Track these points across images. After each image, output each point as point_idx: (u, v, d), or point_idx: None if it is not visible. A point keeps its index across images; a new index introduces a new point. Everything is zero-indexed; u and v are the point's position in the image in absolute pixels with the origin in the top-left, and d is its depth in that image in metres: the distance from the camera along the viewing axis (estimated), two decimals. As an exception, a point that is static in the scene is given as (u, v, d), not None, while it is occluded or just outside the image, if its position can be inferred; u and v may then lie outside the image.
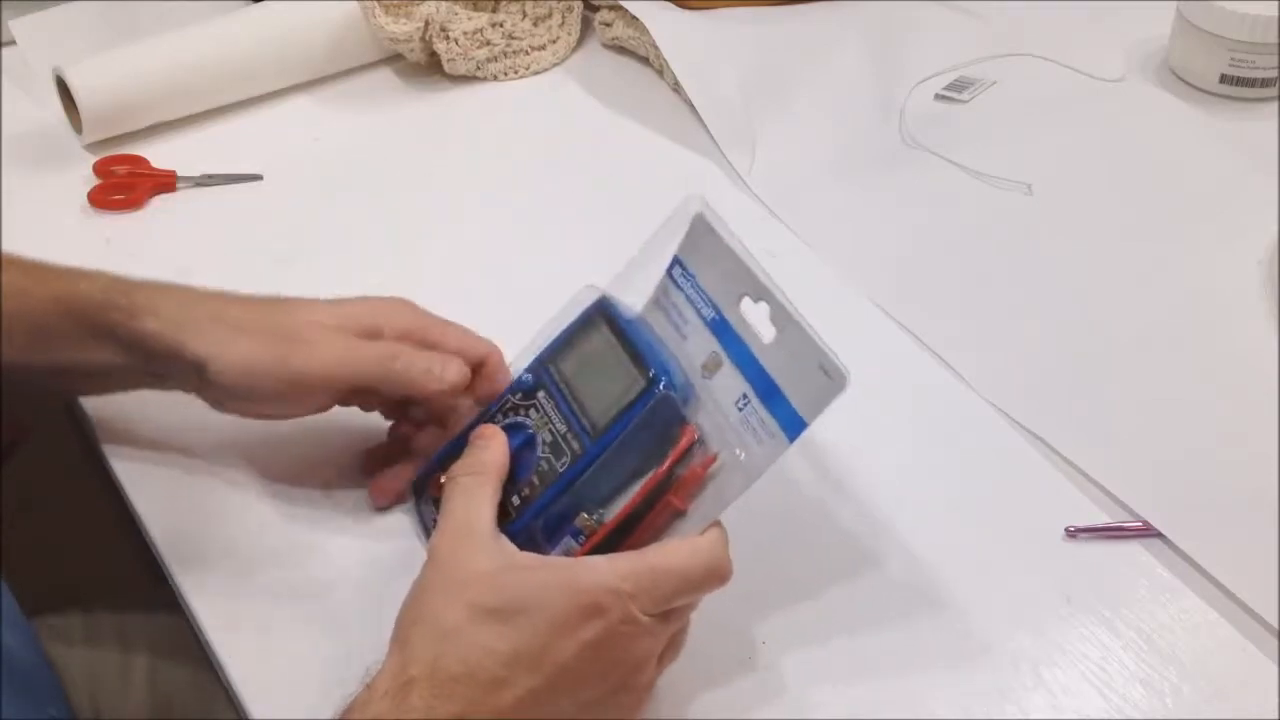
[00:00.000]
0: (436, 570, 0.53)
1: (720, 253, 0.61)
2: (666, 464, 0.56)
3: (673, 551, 0.53)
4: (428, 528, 0.60)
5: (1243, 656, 0.60)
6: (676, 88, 0.93)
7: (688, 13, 0.98)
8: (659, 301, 0.63)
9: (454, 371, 0.62)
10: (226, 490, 0.67)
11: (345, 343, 0.62)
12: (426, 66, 0.96)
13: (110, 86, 0.88)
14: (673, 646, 0.56)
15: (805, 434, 0.55)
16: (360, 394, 0.65)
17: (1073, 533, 0.64)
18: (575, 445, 0.57)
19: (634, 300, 0.63)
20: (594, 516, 0.56)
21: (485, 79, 0.97)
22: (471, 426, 0.61)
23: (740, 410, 0.58)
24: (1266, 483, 0.66)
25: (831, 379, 0.56)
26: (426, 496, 0.61)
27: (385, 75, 0.97)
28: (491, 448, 0.57)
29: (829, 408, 0.55)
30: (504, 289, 0.79)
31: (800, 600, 0.62)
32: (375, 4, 0.93)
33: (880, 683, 0.59)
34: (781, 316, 0.58)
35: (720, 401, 0.58)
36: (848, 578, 0.63)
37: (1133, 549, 0.64)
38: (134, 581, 0.75)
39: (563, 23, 0.99)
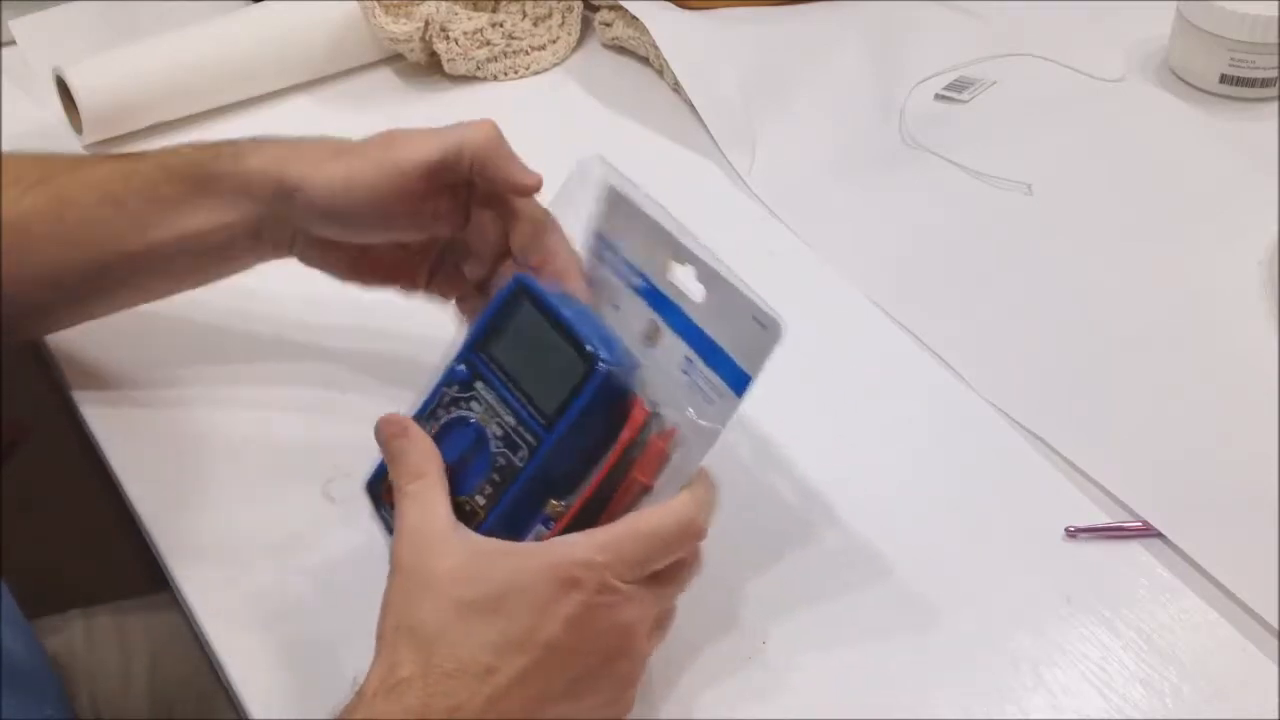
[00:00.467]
0: (406, 577, 0.53)
1: (638, 220, 0.61)
2: (619, 446, 0.56)
3: (644, 516, 0.54)
4: (390, 530, 0.59)
5: (1243, 656, 0.60)
6: (676, 88, 0.93)
7: (688, 13, 0.98)
8: (586, 278, 0.62)
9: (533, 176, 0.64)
10: (227, 490, 0.67)
11: (428, 131, 0.64)
12: (426, 66, 0.96)
13: (110, 86, 0.88)
14: (659, 626, 0.56)
15: (756, 390, 0.55)
16: (449, 199, 0.65)
17: (1073, 533, 0.64)
18: (529, 437, 0.55)
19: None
20: (563, 503, 0.55)
21: (485, 79, 0.97)
22: (419, 415, 0.59)
23: (686, 375, 0.57)
24: (1266, 483, 0.66)
25: (766, 329, 0.55)
26: (383, 503, 0.60)
27: (385, 75, 0.97)
28: (419, 446, 0.56)
29: (772, 359, 0.55)
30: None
31: (801, 600, 0.62)
32: (375, 4, 0.93)
33: (881, 683, 0.59)
34: (708, 275, 0.58)
35: (665, 368, 0.57)
36: (848, 578, 0.63)
37: (1133, 549, 0.64)
38: (134, 581, 0.75)
39: (563, 23, 0.99)
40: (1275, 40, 0.89)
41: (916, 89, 0.93)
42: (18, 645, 0.61)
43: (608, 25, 0.98)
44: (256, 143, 0.66)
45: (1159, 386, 0.72)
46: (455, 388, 0.58)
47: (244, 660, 0.60)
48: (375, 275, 0.68)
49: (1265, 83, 0.90)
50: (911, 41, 0.97)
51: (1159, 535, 0.64)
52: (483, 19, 0.95)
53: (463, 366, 0.58)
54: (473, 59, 0.95)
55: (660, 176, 0.87)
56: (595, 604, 0.52)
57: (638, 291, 0.59)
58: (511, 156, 0.65)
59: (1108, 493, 0.66)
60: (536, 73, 0.97)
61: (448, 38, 0.94)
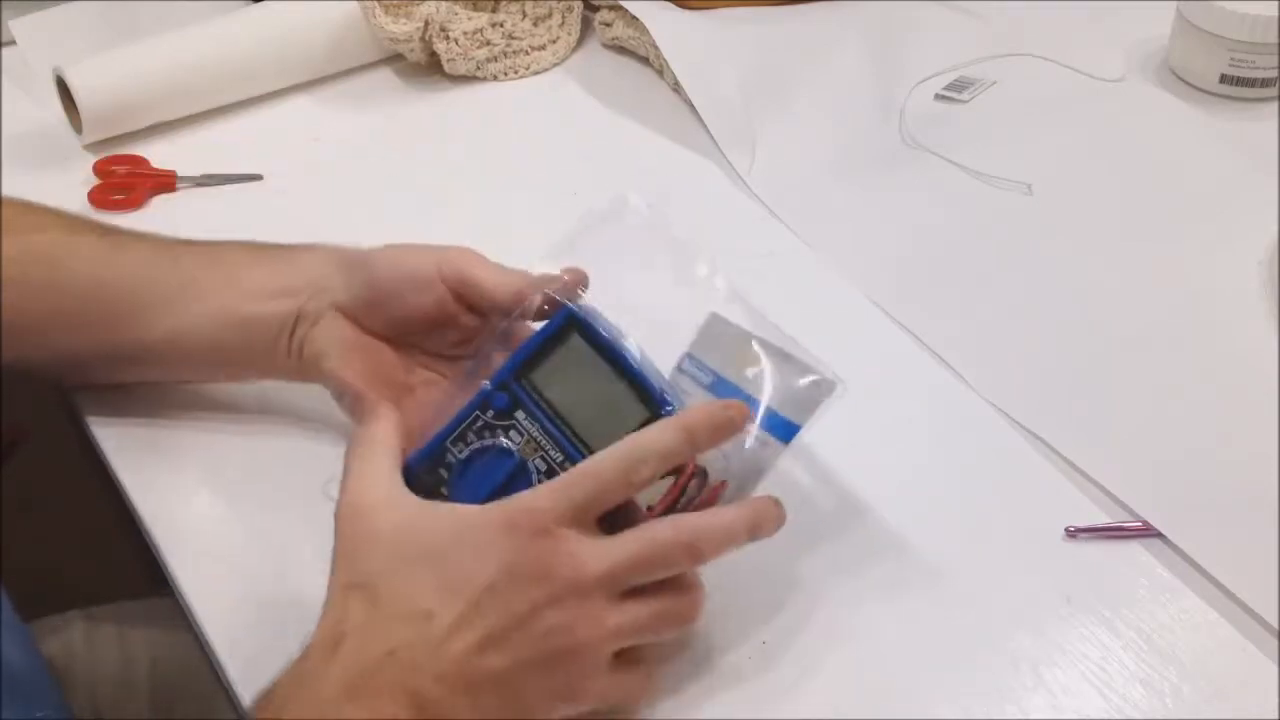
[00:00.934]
0: (353, 531, 0.53)
1: (732, 338, 0.61)
2: (669, 498, 0.55)
3: (593, 458, 0.54)
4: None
5: (1243, 656, 0.60)
6: (676, 88, 0.93)
7: (688, 13, 0.98)
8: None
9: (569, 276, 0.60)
10: (228, 490, 0.67)
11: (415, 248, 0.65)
12: (426, 66, 0.96)
13: (110, 86, 0.88)
14: (628, 662, 0.54)
15: (803, 439, 0.56)
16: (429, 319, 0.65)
17: (1073, 533, 0.64)
18: None
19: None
20: None
21: (485, 79, 0.97)
22: (438, 445, 0.58)
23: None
24: (1266, 483, 0.66)
25: (821, 386, 0.58)
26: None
27: (385, 75, 0.97)
28: (381, 420, 0.57)
29: (824, 411, 0.57)
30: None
31: (800, 600, 0.62)
32: (375, 4, 0.93)
33: (881, 682, 0.59)
34: (769, 351, 0.60)
35: None
36: (848, 578, 0.63)
37: (1133, 549, 0.64)
38: (134, 582, 0.75)
39: (563, 23, 0.99)
40: (1275, 40, 0.89)
41: (916, 89, 0.93)
42: (13, 649, 0.61)
43: (608, 25, 0.98)
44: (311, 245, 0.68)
45: (1159, 386, 0.72)
46: (491, 414, 0.57)
47: (244, 660, 0.60)
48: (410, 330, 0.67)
49: (1265, 83, 0.90)
50: (911, 41, 0.97)
51: (1159, 535, 0.64)
52: (483, 19, 0.95)
53: (502, 393, 0.57)
54: (473, 59, 0.95)
55: (660, 176, 0.88)
56: (534, 548, 0.51)
57: (704, 387, 0.61)
58: (488, 277, 0.64)
59: (1108, 493, 0.66)
60: (536, 73, 0.97)
61: (448, 38, 0.94)
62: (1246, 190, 0.84)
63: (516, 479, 0.56)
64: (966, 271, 0.80)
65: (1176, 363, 0.74)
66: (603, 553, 0.52)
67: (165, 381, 0.71)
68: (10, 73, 0.96)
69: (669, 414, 0.55)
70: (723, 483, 0.57)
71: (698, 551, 0.53)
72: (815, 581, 0.63)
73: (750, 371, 0.59)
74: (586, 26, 1.01)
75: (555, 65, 0.98)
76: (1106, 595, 0.62)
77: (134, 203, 0.86)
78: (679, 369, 0.63)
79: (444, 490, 0.57)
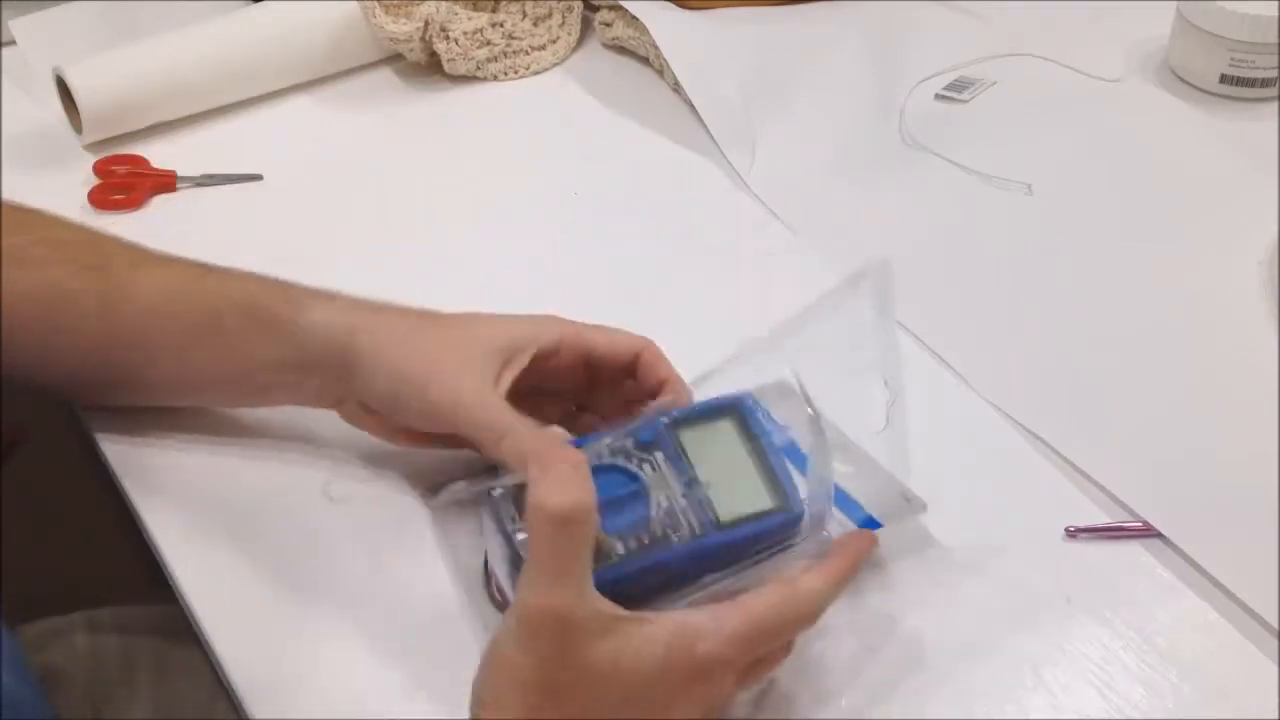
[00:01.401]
0: (560, 653, 0.50)
1: (798, 411, 0.64)
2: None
3: (770, 608, 0.54)
4: (502, 524, 0.59)
5: (1243, 656, 0.60)
6: (676, 88, 0.93)
7: (688, 13, 0.98)
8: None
9: (555, 500, 0.50)
10: (228, 491, 0.67)
11: (481, 396, 0.61)
12: (426, 66, 0.96)
13: (110, 86, 0.88)
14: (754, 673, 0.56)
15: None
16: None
17: (1073, 533, 0.64)
18: (695, 524, 0.58)
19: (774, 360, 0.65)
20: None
21: (485, 79, 0.96)
22: (585, 441, 0.61)
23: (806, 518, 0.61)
24: (1266, 483, 0.66)
25: (911, 504, 0.61)
26: (501, 503, 0.60)
27: (385, 75, 0.97)
28: (581, 483, 0.51)
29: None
30: (503, 289, 0.79)
31: (800, 600, 0.62)
32: (375, 4, 0.93)
33: (881, 682, 0.59)
34: (862, 460, 0.64)
35: None
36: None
37: (1133, 549, 0.64)
38: (135, 582, 0.75)
39: (563, 23, 0.99)
40: (1275, 40, 0.89)
41: (916, 89, 0.93)
42: (6, 660, 0.61)
43: (608, 25, 0.98)
44: (317, 294, 0.65)
45: (1159, 386, 0.72)
46: (632, 443, 0.60)
47: (245, 661, 0.60)
48: (424, 442, 0.66)
49: (1265, 83, 0.90)
50: (911, 41, 0.97)
51: (1159, 535, 0.64)
52: (483, 19, 0.95)
53: (649, 431, 0.61)
54: (473, 59, 0.95)
55: (660, 176, 0.88)
56: (716, 693, 0.53)
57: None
58: (601, 332, 0.65)
59: (1108, 493, 0.66)
60: (536, 73, 0.97)
61: (448, 38, 0.94)
62: (1246, 190, 0.84)
63: (634, 501, 0.59)
64: (966, 271, 0.80)
65: (1176, 363, 0.74)
66: (747, 681, 0.55)
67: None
68: (10, 73, 0.96)
69: (798, 514, 0.59)
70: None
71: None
72: (815, 582, 0.62)
73: (840, 466, 0.63)
74: (586, 26, 1.01)
75: (555, 65, 0.98)
76: (1106, 595, 0.62)
77: (134, 203, 0.86)
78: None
79: None
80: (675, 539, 0.57)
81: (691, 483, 0.60)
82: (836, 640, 0.60)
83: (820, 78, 0.94)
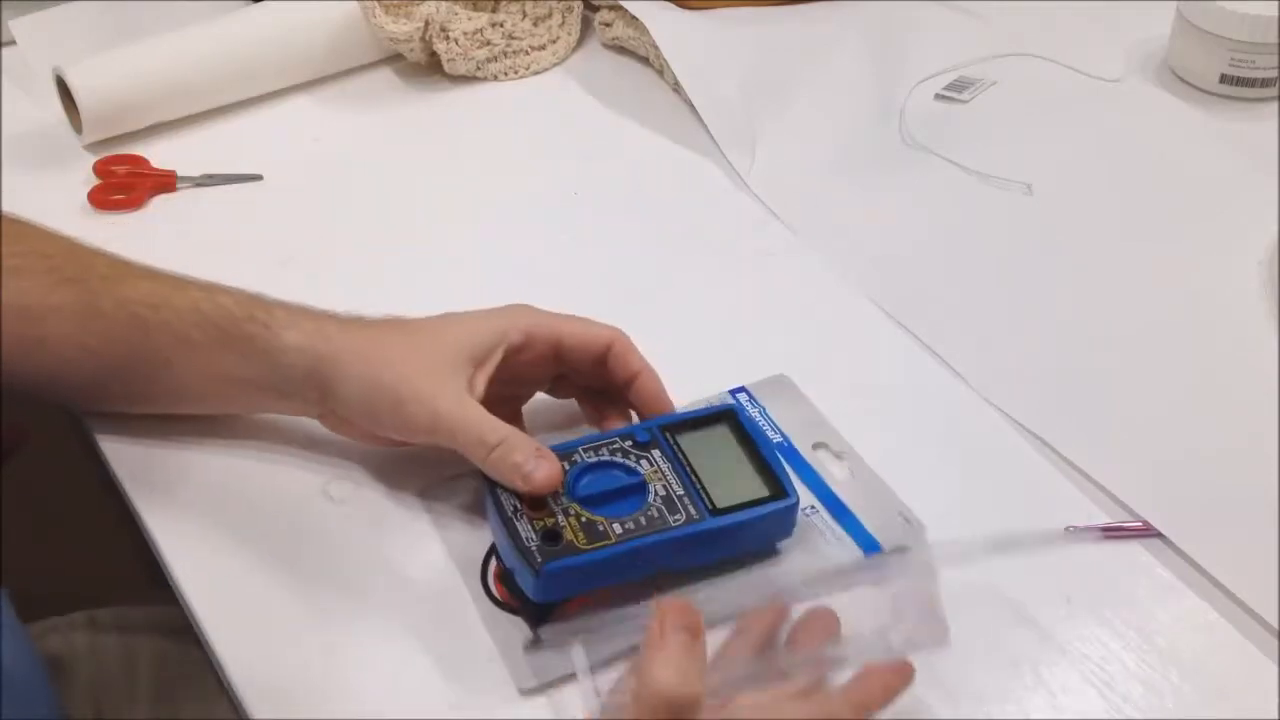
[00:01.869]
0: None
1: (799, 405, 0.68)
2: None
3: None
4: (502, 509, 0.60)
5: (1243, 656, 0.60)
6: (676, 88, 0.93)
7: (688, 13, 0.98)
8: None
9: (542, 475, 0.60)
10: (228, 491, 0.67)
11: (459, 410, 0.62)
12: (426, 66, 0.96)
13: (110, 86, 0.88)
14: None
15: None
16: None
17: (1073, 533, 0.64)
18: (691, 510, 0.60)
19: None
20: None
21: (485, 79, 0.96)
22: (569, 447, 0.62)
23: (806, 516, 0.63)
24: (1266, 483, 0.66)
25: (911, 525, 0.63)
26: (501, 491, 0.61)
27: (385, 75, 0.97)
28: (696, 666, 0.51)
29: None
30: (503, 289, 0.79)
31: (799, 600, 0.62)
32: (375, 4, 0.93)
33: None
34: (861, 471, 0.66)
35: None
36: (847, 572, 0.63)
37: (1133, 549, 0.64)
38: (135, 582, 0.75)
39: (563, 23, 0.99)
40: (1275, 40, 0.89)
41: (916, 89, 0.93)
42: (13, 652, 0.61)
43: (608, 25, 0.98)
44: (290, 313, 0.65)
45: (1159, 386, 0.72)
46: (630, 443, 0.63)
47: (245, 660, 0.60)
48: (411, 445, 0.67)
49: (1265, 83, 0.90)
50: (911, 41, 0.97)
51: (1159, 535, 0.64)
52: (483, 19, 0.95)
53: (646, 433, 0.64)
54: (473, 59, 0.95)
55: (660, 176, 0.88)
56: None
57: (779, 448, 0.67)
58: (573, 321, 0.66)
59: (1108, 493, 0.66)
60: (536, 73, 0.97)
61: (448, 38, 0.94)
62: (1246, 190, 0.84)
63: (633, 492, 0.61)
64: (966, 271, 0.80)
65: (1176, 363, 0.74)
66: None
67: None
68: (10, 73, 0.96)
69: (793, 502, 0.61)
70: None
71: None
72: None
73: (837, 471, 0.66)
74: (586, 26, 1.01)
75: (555, 65, 0.98)
76: (1106, 595, 0.62)
77: (134, 203, 0.85)
78: (730, 393, 0.70)
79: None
80: (673, 522, 0.59)
81: (688, 475, 0.62)
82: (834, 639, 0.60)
83: (820, 78, 0.94)
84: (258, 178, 0.88)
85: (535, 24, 0.98)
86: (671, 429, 0.64)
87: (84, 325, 0.66)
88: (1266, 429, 0.69)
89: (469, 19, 0.95)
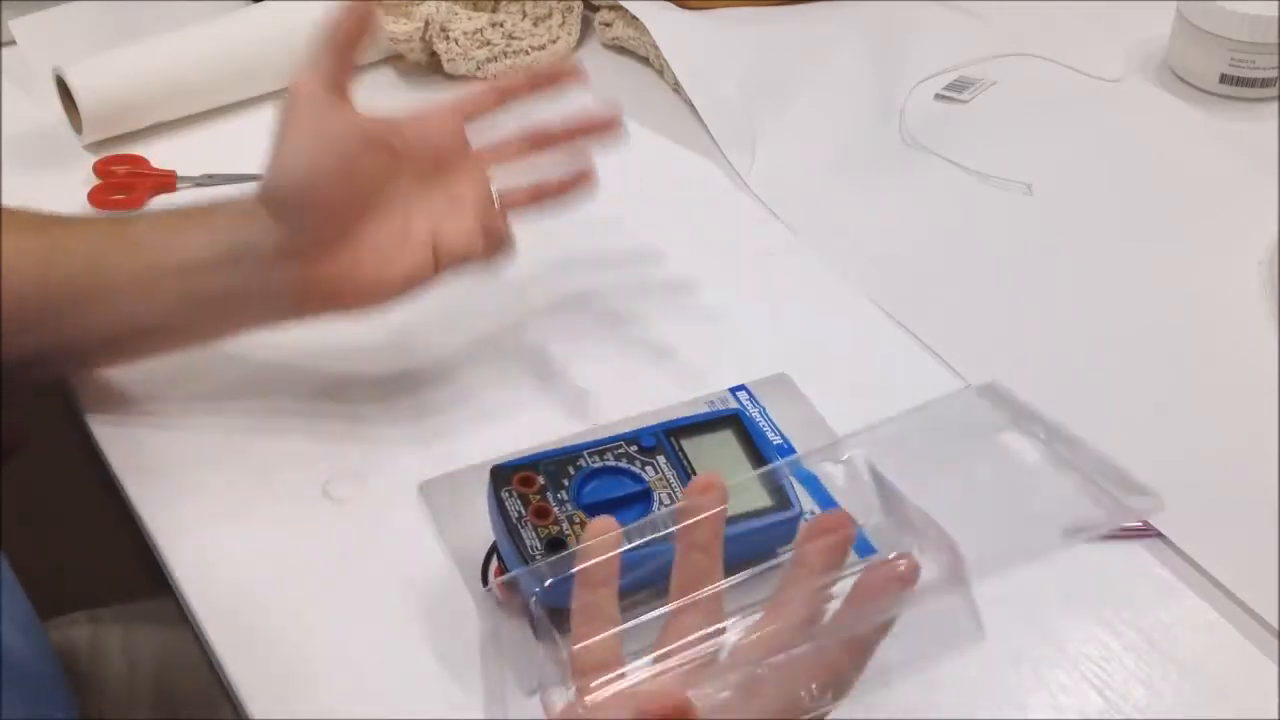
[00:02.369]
0: None
1: (799, 405, 0.68)
2: None
3: None
4: (507, 516, 0.60)
5: (1243, 656, 0.60)
6: (676, 88, 0.93)
7: (688, 13, 0.98)
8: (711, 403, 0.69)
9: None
10: (227, 490, 0.67)
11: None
12: (426, 66, 0.96)
13: (110, 86, 0.88)
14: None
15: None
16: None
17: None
18: None
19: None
20: None
21: (485, 79, 0.96)
22: (574, 451, 0.62)
23: (807, 521, 0.61)
24: (1266, 483, 0.66)
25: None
26: (511, 489, 0.61)
27: (385, 75, 0.97)
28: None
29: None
30: (502, 288, 0.79)
31: (800, 600, 0.62)
32: (375, 4, 0.93)
33: (880, 682, 0.59)
34: (859, 473, 0.64)
35: None
36: (846, 575, 0.63)
37: (1133, 549, 0.64)
38: (136, 582, 0.75)
39: (563, 23, 0.99)
40: (1275, 40, 0.89)
41: (916, 89, 0.93)
42: (24, 645, 0.61)
43: (608, 25, 0.98)
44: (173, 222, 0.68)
45: (1159, 386, 0.72)
46: (635, 448, 0.63)
47: (245, 660, 0.60)
48: (384, 267, 0.67)
49: (1265, 83, 0.91)
50: (911, 41, 0.97)
51: (1159, 535, 0.64)
52: (483, 19, 0.95)
53: (651, 438, 0.64)
54: (473, 59, 0.95)
55: (660, 176, 0.88)
56: None
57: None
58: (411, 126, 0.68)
59: (1107, 492, 0.66)
60: (536, 73, 0.97)
61: (448, 38, 0.94)
62: (1246, 190, 0.84)
63: (638, 500, 0.61)
64: (966, 271, 0.80)
65: (1177, 363, 0.74)
66: None
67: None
68: (10, 73, 0.96)
69: (796, 514, 0.61)
70: None
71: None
72: (815, 581, 0.63)
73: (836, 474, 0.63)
74: (586, 26, 1.01)
75: (555, 65, 0.98)
76: (1106, 595, 0.62)
77: (134, 203, 0.85)
78: (729, 391, 0.70)
79: (543, 483, 0.61)
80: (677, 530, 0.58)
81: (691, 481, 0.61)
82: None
83: (820, 78, 0.94)
84: (258, 178, 0.88)
85: (535, 24, 0.98)
86: (676, 433, 0.64)
87: (42, 273, 0.66)
88: (1266, 429, 0.69)
89: (469, 19, 0.95)
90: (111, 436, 0.70)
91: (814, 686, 0.50)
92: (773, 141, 0.89)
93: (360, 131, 0.65)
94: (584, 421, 0.69)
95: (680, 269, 0.80)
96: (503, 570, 0.61)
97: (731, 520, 0.60)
